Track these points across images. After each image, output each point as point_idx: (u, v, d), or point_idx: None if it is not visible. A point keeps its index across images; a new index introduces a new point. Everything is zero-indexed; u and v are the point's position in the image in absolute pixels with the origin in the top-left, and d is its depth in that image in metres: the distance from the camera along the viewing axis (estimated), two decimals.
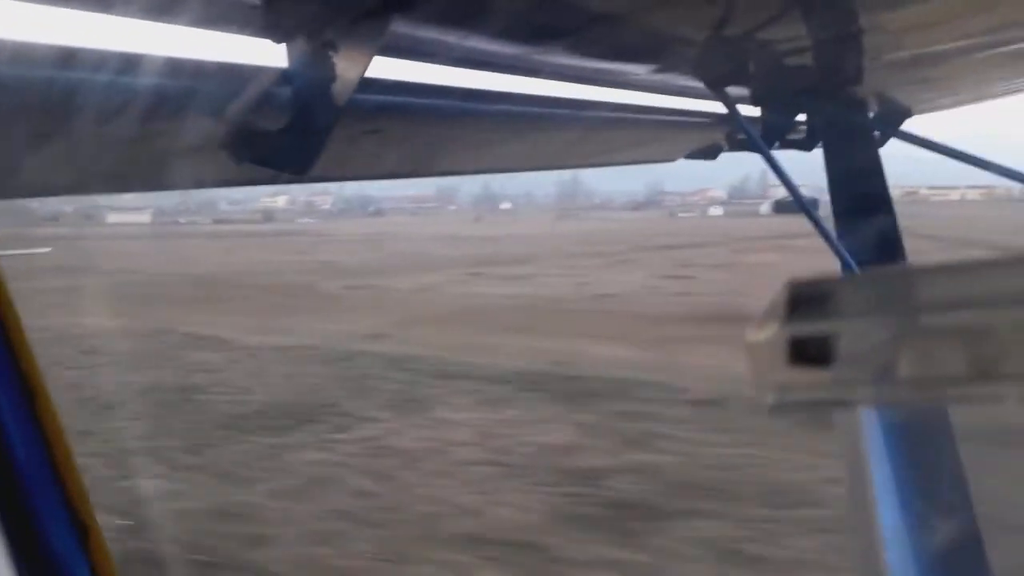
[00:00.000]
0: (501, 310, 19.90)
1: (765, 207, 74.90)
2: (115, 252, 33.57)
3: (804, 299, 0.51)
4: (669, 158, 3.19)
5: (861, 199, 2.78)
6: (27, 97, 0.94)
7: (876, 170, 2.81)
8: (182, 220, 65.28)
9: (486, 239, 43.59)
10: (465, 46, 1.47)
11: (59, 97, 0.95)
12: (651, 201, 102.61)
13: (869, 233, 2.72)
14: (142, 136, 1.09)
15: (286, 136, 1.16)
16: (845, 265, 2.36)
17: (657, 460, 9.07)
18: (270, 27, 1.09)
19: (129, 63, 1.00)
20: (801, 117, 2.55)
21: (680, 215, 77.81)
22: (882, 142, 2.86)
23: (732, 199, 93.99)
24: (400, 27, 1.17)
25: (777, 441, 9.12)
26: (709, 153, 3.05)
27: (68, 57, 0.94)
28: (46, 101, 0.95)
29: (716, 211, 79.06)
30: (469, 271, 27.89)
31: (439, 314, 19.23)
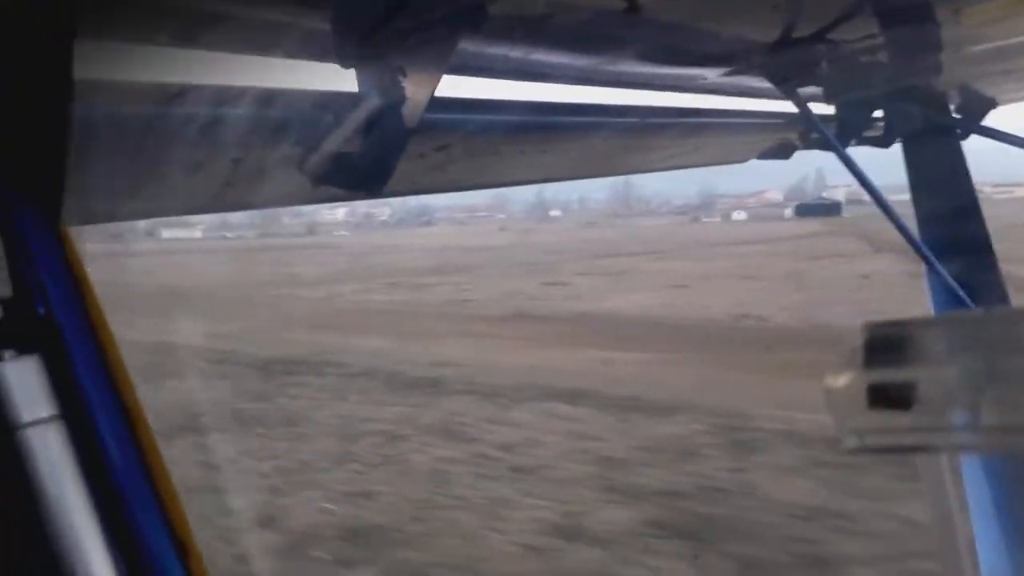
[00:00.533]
0: (357, 314, 23.66)
1: (788, 211, 76.34)
2: (132, 268, 38.32)
3: (883, 342, 0.51)
4: (741, 159, 3.14)
5: (943, 195, 2.80)
6: (126, 129, 1.02)
7: (959, 165, 2.81)
8: (229, 235, 65.19)
9: (475, 249, 47.24)
10: (531, 60, 1.49)
11: (155, 128, 1.05)
12: (705, 204, 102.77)
13: (954, 231, 2.71)
14: (228, 161, 1.18)
15: (360, 158, 1.21)
16: (928, 264, 2.38)
17: (264, 408, 13.84)
18: (341, 54, 1.13)
19: (213, 95, 1.08)
20: (878, 113, 2.49)
21: (703, 220, 79.91)
22: (964, 136, 2.81)
23: (788, 200, 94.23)
24: (467, 45, 1.18)
25: (355, 397, 14.12)
26: (782, 152, 3.01)
27: (158, 92, 1.03)
28: (143, 133, 1.04)
29: (739, 216, 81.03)
30: (390, 281, 31.78)
31: (304, 318, 23.11)
